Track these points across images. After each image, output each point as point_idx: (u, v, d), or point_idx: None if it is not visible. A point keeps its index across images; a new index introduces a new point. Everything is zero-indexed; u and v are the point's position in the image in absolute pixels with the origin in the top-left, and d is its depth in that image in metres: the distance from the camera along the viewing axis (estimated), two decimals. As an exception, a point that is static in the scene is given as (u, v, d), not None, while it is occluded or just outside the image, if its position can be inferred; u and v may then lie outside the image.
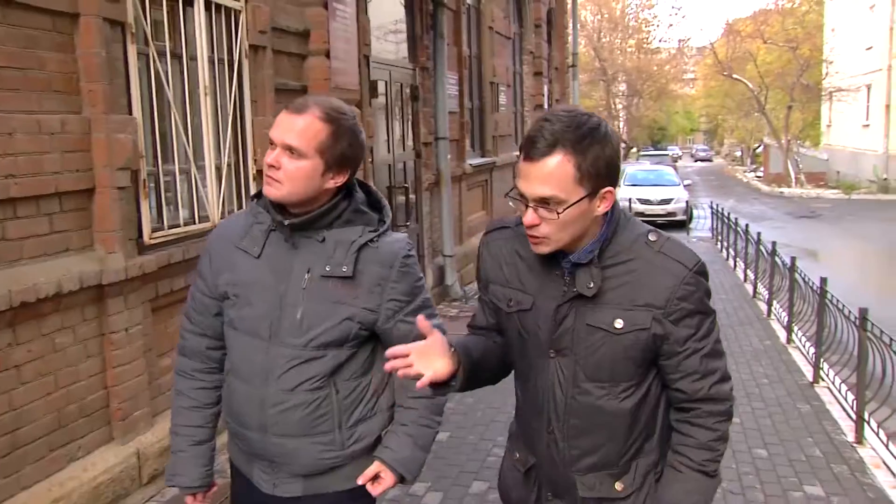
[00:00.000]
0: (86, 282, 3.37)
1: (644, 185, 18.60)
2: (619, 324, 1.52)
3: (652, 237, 1.56)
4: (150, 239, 3.79)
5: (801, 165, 29.28)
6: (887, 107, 24.12)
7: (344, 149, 1.70)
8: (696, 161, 54.74)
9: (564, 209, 1.46)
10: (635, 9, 34.30)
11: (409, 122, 7.49)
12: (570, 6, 15.76)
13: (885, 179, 23.85)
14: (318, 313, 1.71)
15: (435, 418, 1.87)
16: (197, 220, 4.18)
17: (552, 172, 1.45)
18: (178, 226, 4.03)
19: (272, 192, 1.70)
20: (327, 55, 5.37)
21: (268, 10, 4.73)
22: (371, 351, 1.81)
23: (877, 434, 4.19)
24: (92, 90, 3.43)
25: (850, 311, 4.77)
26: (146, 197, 3.77)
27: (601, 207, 1.51)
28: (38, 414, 3.23)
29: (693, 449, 1.57)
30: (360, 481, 1.79)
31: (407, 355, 1.49)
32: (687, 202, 18.09)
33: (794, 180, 28.29)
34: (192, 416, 1.90)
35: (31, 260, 3.19)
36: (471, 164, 9.25)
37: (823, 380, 5.38)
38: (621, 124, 36.11)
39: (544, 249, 1.53)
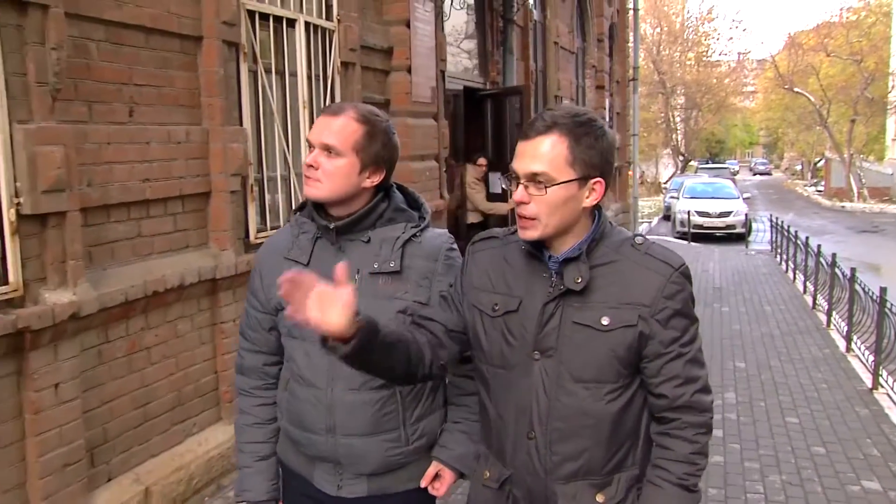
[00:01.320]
0: (203, 276, 3.76)
1: (703, 197, 18.51)
2: (605, 321, 1.52)
3: (638, 240, 1.59)
4: (255, 239, 4.18)
5: (864, 180, 28.57)
6: (958, 120, 23.42)
7: (378, 148, 1.75)
8: (754, 174, 53.75)
9: (552, 186, 1.50)
10: (695, 22, 34.06)
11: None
12: (631, 21, 15.89)
13: (955, 195, 23.15)
14: (372, 310, 1.68)
15: None
16: (294, 223, 4.55)
17: (545, 150, 1.50)
18: (278, 227, 4.41)
19: (312, 192, 1.75)
20: (409, 70, 5.73)
21: (357, 29, 5.11)
22: None
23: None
24: (211, 104, 3.84)
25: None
26: (253, 200, 4.16)
27: (590, 199, 1.54)
28: (163, 392, 3.62)
29: (673, 462, 1.56)
30: (423, 484, 1.83)
31: (311, 287, 1.39)
32: (746, 215, 17.93)
33: (856, 195, 27.62)
34: (255, 432, 1.93)
35: (160, 255, 3.60)
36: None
37: (882, 386, 5.44)
38: (679, 136, 35.78)
39: (532, 234, 1.54)
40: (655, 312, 1.53)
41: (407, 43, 5.68)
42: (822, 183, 33.84)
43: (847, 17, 31.54)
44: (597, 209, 1.59)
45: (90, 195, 3.15)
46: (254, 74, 4.19)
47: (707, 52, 35.03)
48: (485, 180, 7.21)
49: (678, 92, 33.51)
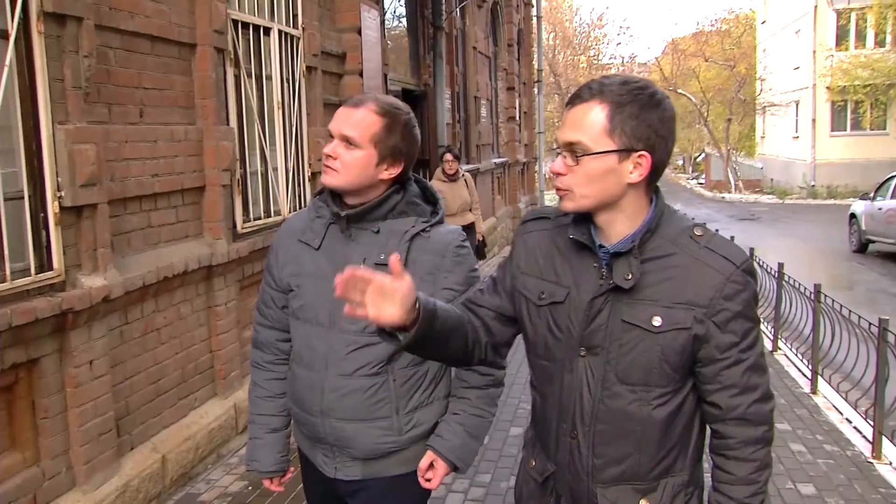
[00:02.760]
0: (202, 263, 4.10)
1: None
2: (657, 321, 1.41)
3: (698, 231, 1.45)
4: (242, 229, 4.53)
5: (739, 173, 31.11)
6: (814, 121, 26.02)
7: (397, 141, 1.75)
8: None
9: (586, 156, 1.39)
10: (587, 28, 35.94)
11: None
12: (535, 27, 16.82)
13: (813, 186, 25.71)
14: None
15: (488, 408, 1.88)
16: (272, 214, 4.93)
17: (584, 118, 1.40)
18: (260, 218, 4.78)
19: (329, 180, 1.77)
20: (360, 74, 6.17)
21: (318, 37, 5.52)
22: None
23: (828, 382, 5.21)
24: (205, 105, 4.18)
25: (805, 288, 5.78)
26: (239, 193, 4.51)
27: (635, 174, 1.40)
28: (171, 369, 3.95)
29: (733, 487, 1.45)
30: (420, 477, 1.84)
31: (369, 282, 1.35)
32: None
33: (733, 187, 30.03)
34: (267, 405, 1.97)
35: (166, 244, 3.92)
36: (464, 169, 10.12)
37: (781, 349, 6.41)
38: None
39: (568, 205, 1.45)
40: (713, 314, 1.40)
41: (358, 48, 6.12)
42: (703, 176, 36.45)
43: (719, 27, 34.34)
44: (655, 192, 1.48)
45: (112, 189, 3.45)
46: (237, 78, 4.54)
47: (598, 55, 37.01)
48: (455, 178, 6.97)
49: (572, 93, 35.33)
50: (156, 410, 3.81)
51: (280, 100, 5.00)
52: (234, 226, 4.48)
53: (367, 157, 1.74)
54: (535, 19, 17.22)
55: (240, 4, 4.60)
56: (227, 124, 4.40)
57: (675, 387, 1.46)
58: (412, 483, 1.84)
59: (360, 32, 6.14)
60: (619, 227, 1.45)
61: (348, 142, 1.74)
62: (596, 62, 37.36)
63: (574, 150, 1.41)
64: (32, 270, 2.98)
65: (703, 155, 40.27)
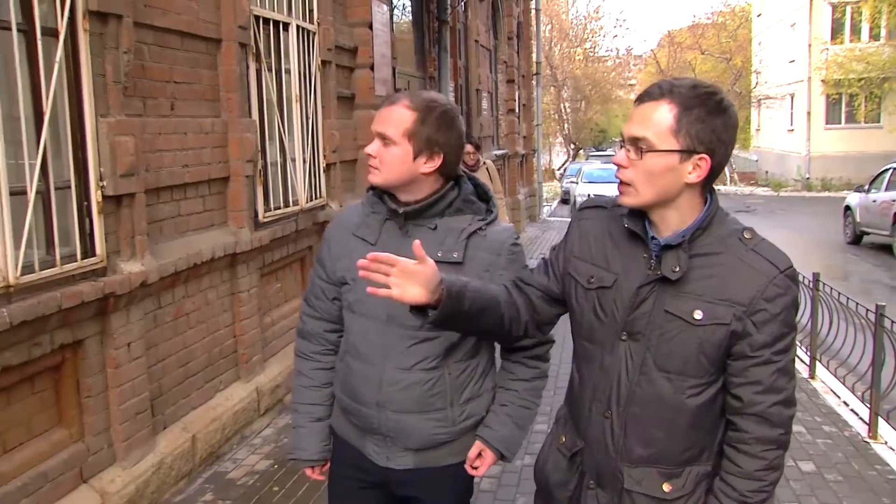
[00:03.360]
0: (227, 250, 4.26)
1: (600, 182, 19.88)
2: (698, 315, 1.47)
3: (747, 234, 1.52)
4: (263, 218, 4.69)
5: (734, 165, 31.36)
6: (808, 114, 26.28)
7: (431, 133, 1.78)
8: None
9: (649, 153, 1.46)
10: (583, 21, 36.07)
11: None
12: (534, 19, 16.96)
13: (808, 178, 25.99)
14: None
15: (534, 399, 1.93)
16: (290, 204, 5.08)
17: (651, 115, 1.46)
18: (279, 208, 4.94)
19: (372, 178, 1.83)
20: (371, 68, 6.32)
21: (332, 31, 5.66)
22: None
23: (826, 368, 5.41)
24: (229, 98, 4.33)
25: (804, 277, 5.99)
26: (261, 184, 4.67)
27: (693, 175, 1.47)
28: (198, 353, 4.11)
29: (737, 478, 1.50)
30: (467, 464, 1.90)
31: (392, 265, 1.50)
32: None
33: (728, 179, 30.30)
34: (311, 394, 2.02)
35: (194, 232, 4.08)
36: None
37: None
38: (568, 126, 37.73)
39: (626, 200, 1.52)
40: (752, 313, 1.46)
41: (369, 43, 6.26)
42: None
43: (716, 20, 34.54)
44: (710, 192, 1.54)
45: (148, 179, 3.60)
46: (258, 72, 4.68)
47: (594, 48, 37.15)
48: (475, 168, 6.75)
49: (568, 85, 35.38)
50: (185, 392, 3.98)
51: (298, 93, 5.14)
52: (256, 215, 4.63)
53: (404, 152, 1.78)
54: (533, 12, 17.37)
55: (261, 0, 4.74)
56: (250, 117, 4.55)
57: (710, 379, 1.51)
58: (460, 471, 1.90)
59: (370, 27, 6.27)
60: (671, 223, 1.52)
61: (385, 139, 1.79)
62: (592, 54, 37.53)
63: (639, 146, 1.48)
64: (78, 256, 3.14)
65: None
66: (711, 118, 1.46)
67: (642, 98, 1.50)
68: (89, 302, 3.13)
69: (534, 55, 17.23)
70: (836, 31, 25.05)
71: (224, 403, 4.28)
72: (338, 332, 1.97)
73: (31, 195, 2.87)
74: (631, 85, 48.55)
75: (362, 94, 6.29)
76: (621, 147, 1.53)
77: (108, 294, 3.24)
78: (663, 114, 1.46)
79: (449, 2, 8.77)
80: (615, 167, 1.54)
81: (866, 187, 13.25)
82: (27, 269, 2.84)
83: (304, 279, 5.51)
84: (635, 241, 1.56)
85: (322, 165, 5.59)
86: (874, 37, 24.39)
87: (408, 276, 1.50)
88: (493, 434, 1.88)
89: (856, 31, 24.89)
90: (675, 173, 1.48)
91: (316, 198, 5.46)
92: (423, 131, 1.78)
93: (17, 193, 2.82)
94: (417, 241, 1.50)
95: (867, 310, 4.60)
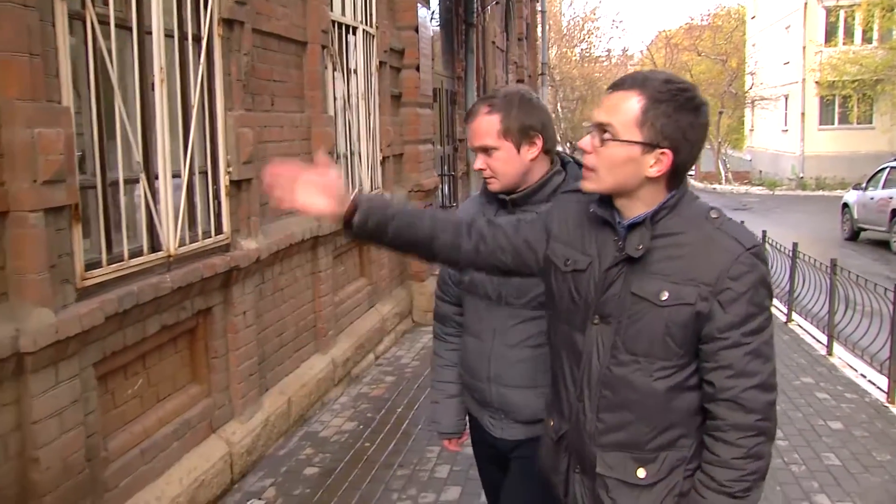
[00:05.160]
0: (312, 233, 4.70)
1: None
2: (664, 296, 1.46)
3: (713, 214, 1.50)
4: (338, 205, 5.13)
5: (728, 165, 32.02)
6: (802, 114, 26.93)
7: (521, 120, 1.85)
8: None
9: (611, 141, 1.46)
10: (580, 22, 36.65)
11: (450, 122, 8.94)
12: (539, 21, 17.46)
13: (802, 178, 26.65)
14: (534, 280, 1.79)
15: None
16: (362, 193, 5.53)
17: (618, 105, 1.46)
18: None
19: (493, 187, 1.93)
20: (416, 68, 6.77)
21: (388, 34, 6.11)
22: None
23: (843, 346, 5.94)
24: (313, 96, 4.78)
25: (821, 263, 6.52)
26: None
27: (654, 168, 1.46)
28: (289, 325, 4.56)
29: (715, 467, 1.47)
30: None
31: (297, 176, 1.53)
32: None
33: (724, 178, 30.93)
34: (446, 373, 2.17)
35: (286, 216, 4.52)
36: (484, 159, 10.78)
37: (794, 319, 7.14)
38: (565, 126, 38.34)
39: (588, 185, 1.54)
40: (717, 293, 1.44)
41: (416, 45, 6.71)
42: (694, 168, 37.35)
43: (711, 22, 35.20)
44: (677, 182, 1.52)
45: (258, 166, 4.05)
46: (333, 72, 5.13)
47: (590, 49, 37.73)
48: None
49: (565, 85, 35.93)
50: (280, 359, 4.43)
51: (363, 91, 5.60)
52: (332, 202, 5.07)
53: (506, 151, 1.86)
54: (539, 14, 17.88)
55: (333, 6, 5.18)
56: (328, 113, 5.00)
57: (679, 362, 1.49)
58: None
59: (416, 30, 6.73)
60: (635, 212, 1.52)
61: (486, 150, 1.88)
62: (588, 55, 38.11)
63: (603, 133, 1.48)
64: (212, 232, 3.59)
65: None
66: (679, 114, 1.45)
67: (614, 86, 1.50)
68: (220, 273, 3.58)
69: (539, 55, 17.72)
70: (830, 34, 25.69)
71: (308, 372, 4.73)
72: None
73: (185, 179, 3.31)
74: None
75: (408, 93, 6.75)
76: (589, 132, 1.53)
77: (233, 267, 3.68)
78: (631, 104, 1.46)
79: (476, 6, 9.23)
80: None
81: (864, 185, 13.82)
82: (180, 242, 3.29)
83: (362, 263, 5.97)
84: (606, 224, 1.57)
85: (379, 158, 6.04)
86: (867, 40, 25.05)
87: (310, 186, 1.55)
88: None
89: (849, 34, 25.55)
90: (635, 164, 1.47)
91: (374, 188, 5.91)
92: (513, 124, 1.85)
93: (174, 177, 3.26)
94: (320, 151, 1.74)
95: (885, 288, 5.11)
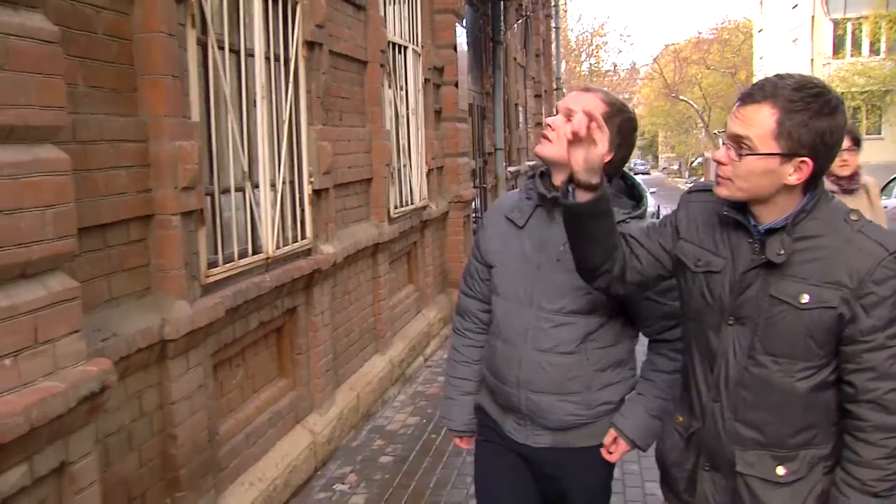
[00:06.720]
0: (373, 241, 5.01)
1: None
2: (804, 298, 1.45)
3: (853, 216, 1.49)
4: (394, 214, 5.45)
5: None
6: (811, 127, 27.24)
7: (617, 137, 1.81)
8: (635, 174, 57.87)
9: (749, 155, 1.45)
10: (588, 36, 37.20)
11: (480, 137, 9.27)
12: (554, 37, 17.87)
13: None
14: (569, 282, 1.81)
15: (672, 392, 1.88)
16: (409, 203, 5.86)
17: (753, 117, 1.45)
18: (406, 206, 5.71)
19: (543, 150, 1.90)
20: (455, 85, 7.11)
21: (430, 52, 6.45)
22: (620, 324, 1.92)
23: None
24: (373, 111, 5.10)
25: None
26: (393, 184, 5.43)
27: (794, 177, 1.46)
28: (355, 326, 4.85)
29: (857, 467, 1.47)
30: (602, 450, 1.94)
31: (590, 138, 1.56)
32: (658, 206, 20.32)
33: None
34: (463, 369, 2.15)
35: (353, 224, 4.84)
36: (509, 171, 11.10)
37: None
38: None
39: (722, 192, 1.52)
40: (860, 296, 1.43)
41: (455, 63, 7.05)
42: (701, 179, 37.69)
43: (718, 35, 35.66)
44: (814, 185, 1.51)
45: (333, 177, 4.36)
46: (387, 89, 5.46)
47: (598, 63, 38.25)
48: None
49: (575, 99, 36.48)
50: (348, 358, 4.72)
51: (414, 107, 5.93)
52: (388, 212, 5.39)
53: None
54: (553, 30, 18.28)
55: (386, 27, 5.52)
56: (386, 127, 5.32)
57: (820, 362, 1.49)
58: (597, 455, 1.95)
59: (455, 48, 7.07)
60: (770, 216, 1.52)
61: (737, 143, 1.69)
62: (596, 69, 38.58)
63: (740, 146, 1.48)
64: (299, 237, 3.89)
65: (699, 160, 41.55)
66: (815, 121, 1.43)
67: (745, 100, 1.49)
68: (304, 275, 3.88)
69: (554, 70, 18.10)
70: (838, 47, 26.05)
71: (371, 371, 5.01)
72: (490, 311, 2.06)
73: (279, 188, 3.63)
74: (637, 100, 49.66)
75: (448, 108, 7.08)
76: (723, 143, 1.53)
77: (315, 270, 3.98)
78: (765, 117, 1.44)
79: (503, 25, 9.59)
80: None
81: (877, 193, 14.07)
82: (276, 245, 3.60)
83: (411, 270, 6.27)
84: (739, 226, 1.56)
85: (425, 171, 6.36)
86: (875, 51, 25.40)
87: (593, 152, 1.59)
88: (626, 423, 1.92)
89: (857, 46, 25.90)
90: (774, 175, 1.47)
91: (422, 199, 6.23)
92: (613, 135, 1.76)
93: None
94: (585, 114, 1.57)
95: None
